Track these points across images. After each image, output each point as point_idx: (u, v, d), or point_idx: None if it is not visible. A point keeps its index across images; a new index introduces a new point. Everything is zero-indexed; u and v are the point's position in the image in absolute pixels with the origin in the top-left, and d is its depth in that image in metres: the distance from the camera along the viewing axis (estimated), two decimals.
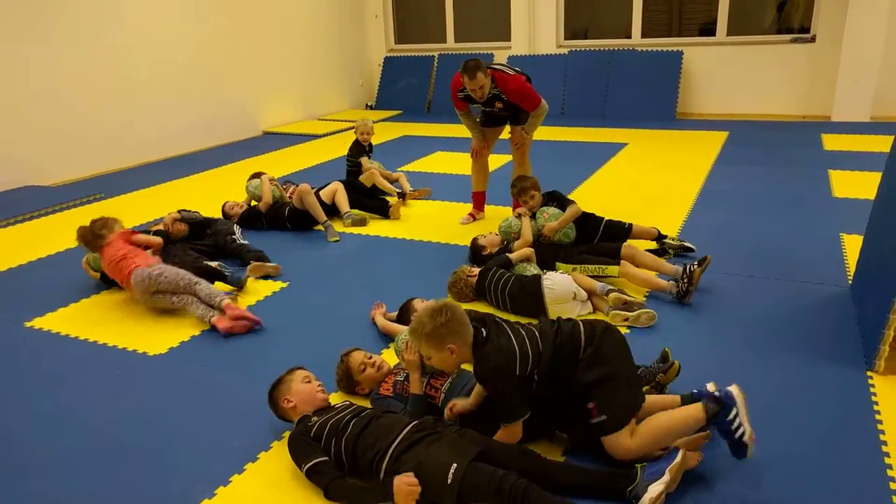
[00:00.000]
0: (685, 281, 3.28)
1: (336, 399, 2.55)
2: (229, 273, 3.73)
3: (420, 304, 3.11)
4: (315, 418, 2.26)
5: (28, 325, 3.47)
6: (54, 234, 4.88)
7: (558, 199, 3.91)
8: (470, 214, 4.82)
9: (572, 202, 3.85)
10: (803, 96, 8.19)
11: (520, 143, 4.45)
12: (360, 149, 5.34)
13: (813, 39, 8.03)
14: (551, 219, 3.76)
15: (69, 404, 2.72)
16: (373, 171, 5.17)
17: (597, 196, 5.28)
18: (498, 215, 4.72)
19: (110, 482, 2.25)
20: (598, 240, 3.84)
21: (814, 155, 6.34)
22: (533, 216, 3.87)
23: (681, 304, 3.28)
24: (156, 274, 3.39)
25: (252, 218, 4.80)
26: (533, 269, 3.50)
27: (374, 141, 7.85)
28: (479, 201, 4.85)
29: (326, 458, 2.13)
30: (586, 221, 3.88)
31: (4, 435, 2.54)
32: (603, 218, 3.95)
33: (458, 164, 6.53)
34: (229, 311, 3.27)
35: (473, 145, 4.62)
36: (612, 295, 3.22)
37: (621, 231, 3.90)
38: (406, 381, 2.47)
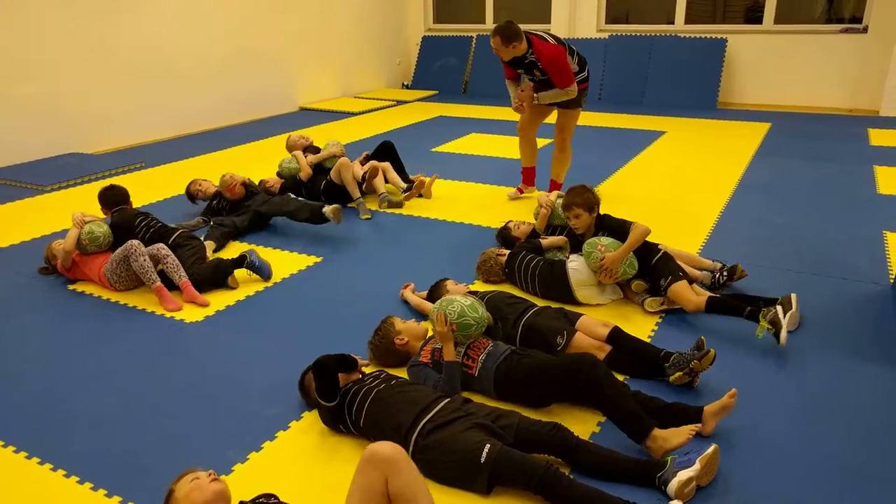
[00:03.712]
0: (724, 275, 3.25)
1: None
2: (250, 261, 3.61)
3: (452, 286, 3.13)
4: (347, 385, 2.30)
5: (71, 287, 3.59)
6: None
7: (611, 229, 3.22)
8: (518, 189, 4.83)
9: (632, 224, 3.14)
10: (851, 89, 7.95)
11: (526, 100, 4.26)
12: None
13: (865, 30, 7.77)
14: (608, 249, 3.09)
15: (108, 367, 2.81)
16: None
17: (632, 185, 5.22)
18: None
19: (145, 443, 2.32)
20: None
21: (859, 150, 6.16)
22: (578, 244, 3.34)
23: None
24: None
25: (293, 188, 4.84)
26: (563, 257, 3.49)
27: (410, 120, 7.91)
28: (528, 176, 4.83)
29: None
30: (645, 251, 3.18)
31: (47, 392, 2.64)
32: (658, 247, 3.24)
33: (493, 146, 6.51)
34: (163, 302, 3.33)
35: (513, 105, 4.42)
36: (634, 282, 3.19)
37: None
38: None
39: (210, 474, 1.77)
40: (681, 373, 2.44)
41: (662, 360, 2.52)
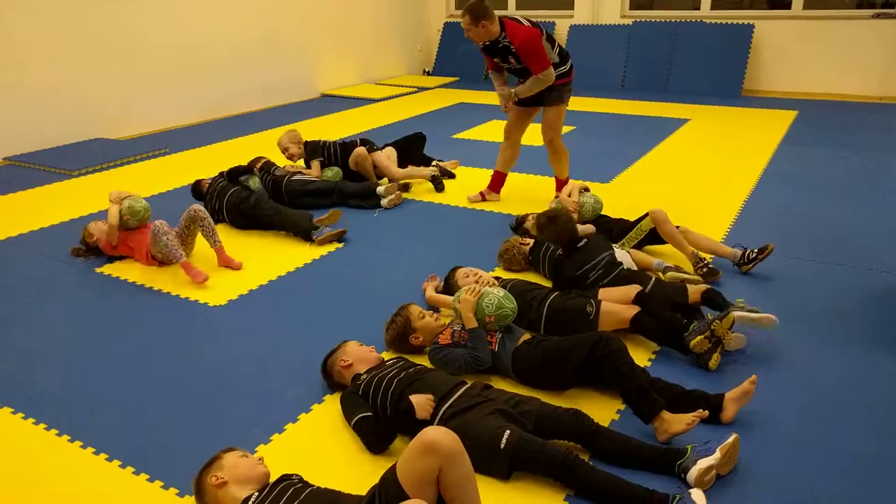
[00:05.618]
0: (703, 264, 3.25)
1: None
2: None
3: (463, 273, 3.11)
4: (365, 376, 2.33)
5: (98, 270, 3.66)
6: (123, 185, 5.07)
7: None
8: (481, 193, 4.56)
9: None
10: (882, 76, 7.76)
11: (509, 99, 4.13)
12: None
13: None
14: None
15: (133, 348, 2.87)
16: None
17: (655, 173, 5.17)
18: (543, 188, 4.68)
19: (170, 423, 2.38)
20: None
21: (889, 139, 6.03)
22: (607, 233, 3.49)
23: (740, 287, 3.21)
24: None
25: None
26: None
27: (431, 107, 7.89)
28: (496, 182, 4.55)
29: (370, 413, 2.21)
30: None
31: (76, 373, 2.71)
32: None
33: None
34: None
35: (501, 103, 4.27)
36: (668, 273, 3.18)
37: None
38: (464, 328, 2.55)
39: (260, 458, 1.93)
40: (701, 336, 2.43)
41: (683, 329, 2.54)
